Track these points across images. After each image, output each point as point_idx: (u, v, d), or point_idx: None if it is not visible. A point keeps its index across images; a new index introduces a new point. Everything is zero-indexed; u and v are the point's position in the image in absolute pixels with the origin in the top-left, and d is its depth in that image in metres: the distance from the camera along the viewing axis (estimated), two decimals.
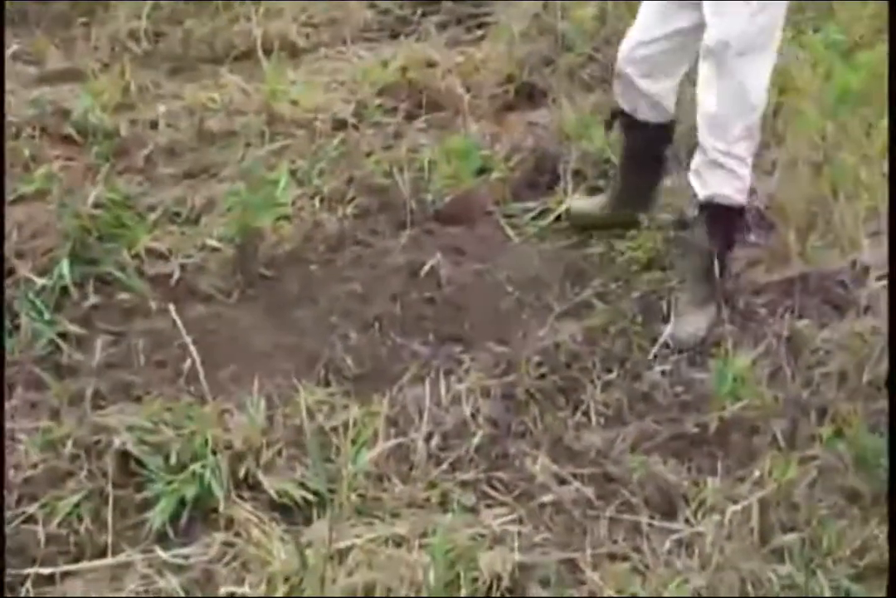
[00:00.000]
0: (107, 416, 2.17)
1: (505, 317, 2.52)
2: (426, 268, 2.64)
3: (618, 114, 2.76)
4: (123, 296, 2.55)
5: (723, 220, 2.51)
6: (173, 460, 2.06)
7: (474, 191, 2.90)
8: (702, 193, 2.50)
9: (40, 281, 2.49)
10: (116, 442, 2.09)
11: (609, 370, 2.32)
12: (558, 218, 2.85)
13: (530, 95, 3.40)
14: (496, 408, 2.21)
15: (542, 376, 2.28)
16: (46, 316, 2.45)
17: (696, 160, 2.51)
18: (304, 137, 3.08)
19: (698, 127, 2.49)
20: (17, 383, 2.27)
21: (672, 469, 2.09)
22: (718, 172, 2.48)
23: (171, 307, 2.35)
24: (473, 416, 2.17)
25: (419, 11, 3.92)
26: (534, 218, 2.86)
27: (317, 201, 2.86)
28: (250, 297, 2.60)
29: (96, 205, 2.73)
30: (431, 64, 3.49)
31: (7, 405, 2.22)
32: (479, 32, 3.76)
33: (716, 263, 2.48)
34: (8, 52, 3.47)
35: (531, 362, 2.31)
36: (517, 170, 2.97)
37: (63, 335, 2.42)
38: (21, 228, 2.65)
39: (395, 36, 3.78)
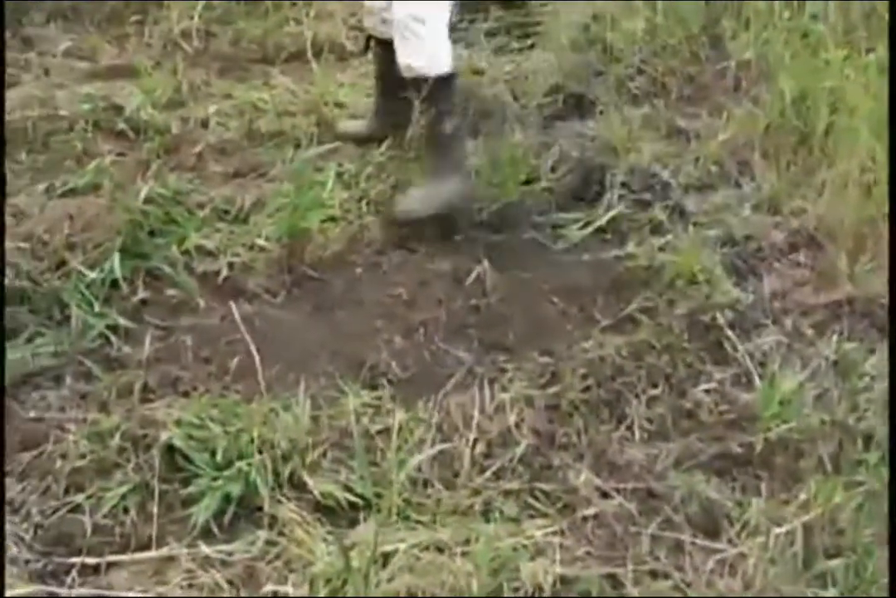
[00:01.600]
0: (155, 410, 2.19)
1: (549, 327, 2.52)
2: (471, 275, 2.66)
3: (369, 38, 3.03)
4: (172, 292, 2.56)
5: (427, 90, 2.71)
6: (219, 456, 2.07)
7: (520, 200, 2.92)
8: (401, 63, 2.72)
9: (91, 274, 2.51)
10: (164, 437, 2.10)
11: (654, 386, 2.32)
12: (603, 230, 2.87)
13: (578, 106, 3.40)
14: (540, 418, 2.21)
15: (587, 388, 2.27)
16: (96, 309, 2.47)
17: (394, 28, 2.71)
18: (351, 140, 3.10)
19: None
20: (66, 374, 2.29)
21: (716, 488, 2.08)
22: (409, 41, 2.68)
23: (232, 306, 2.41)
24: (517, 425, 2.17)
25: (467, 18, 3.94)
26: (579, 229, 2.87)
27: (363, 205, 2.88)
28: (296, 297, 2.62)
29: (147, 200, 2.75)
30: (479, 71, 3.51)
31: (56, 396, 2.24)
32: (528, 41, 3.77)
33: (437, 134, 2.74)
34: (61, 47, 3.52)
35: (576, 374, 2.31)
36: (563, 180, 2.98)
37: (113, 328, 2.44)
38: (72, 220, 2.67)
39: None
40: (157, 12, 3.67)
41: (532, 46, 3.70)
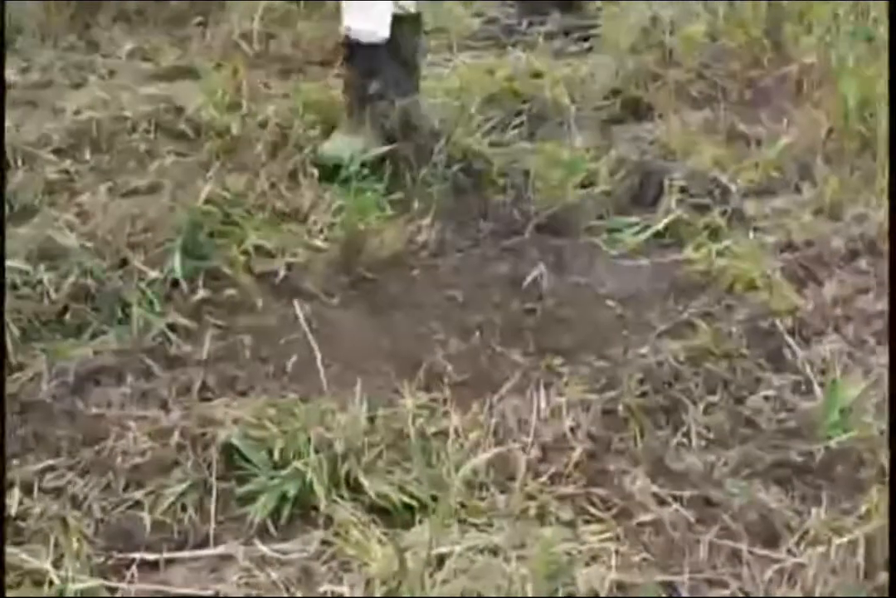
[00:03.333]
0: (213, 408, 2.20)
1: (605, 332, 2.50)
2: (527, 279, 2.65)
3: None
4: (231, 292, 2.58)
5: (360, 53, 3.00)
6: (276, 455, 2.08)
7: (578, 203, 2.90)
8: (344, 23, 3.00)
9: (152, 273, 2.54)
10: (222, 435, 2.11)
11: (712, 392, 2.28)
12: (661, 234, 2.84)
13: (636, 110, 3.38)
14: (596, 424, 2.18)
15: (644, 394, 2.25)
16: (157, 307, 2.50)
17: None
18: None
19: None
20: (127, 372, 2.31)
21: (775, 497, 2.05)
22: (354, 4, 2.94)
23: (296, 305, 2.45)
24: (573, 430, 2.15)
25: (526, 21, 3.94)
26: (636, 233, 2.85)
27: (417, 205, 2.88)
28: (353, 298, 2.62)
29: (207, 201, 2.79)
30: (538, 74, 3.50)
31: (117, 393, 2.26)
32: (586, 44, 3.76)
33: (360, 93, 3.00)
34: (125, 49, 3.56)
35: (633, 379, 2.29)
36: (622, 184, 2.96)
37: (172, 327, 2.46)
38: (134, 220, 2.70)
39: (501, 45, 3.80)
40: (218, 14, 3.70)
41: (590, 49, 3.69)
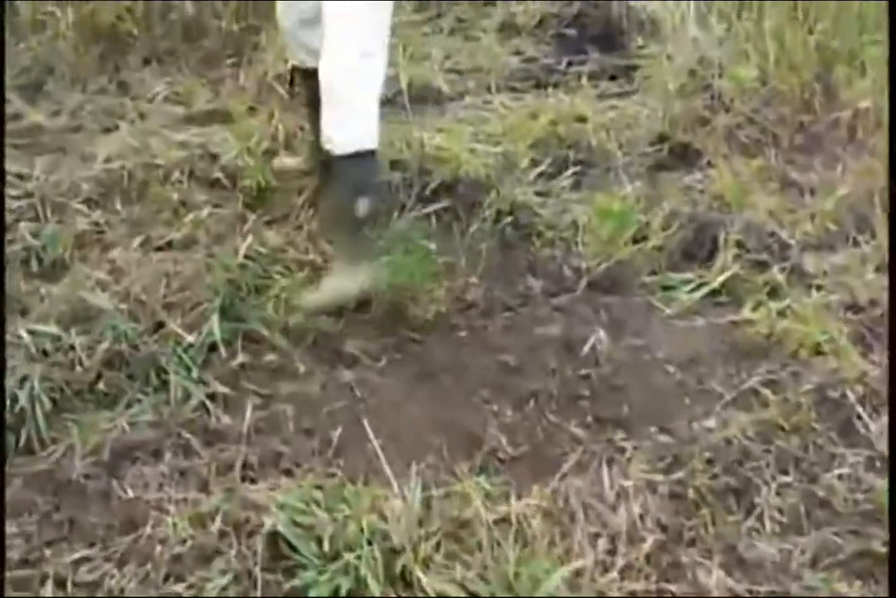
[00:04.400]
0: (257, 491, 2.05)
1: (666, 401, 2.34)
2: (581, 342, 2.49)
3: (293, 69, 2.84)
4: (271, 356, 2.43)
5: (344, 167, 2.48)
6: (326, 545, 1.92)
7: (630, 258, 2.75)
8: (322, 132, 2.48)
9: (189, 338, 2.39)
10: (267, 522, 1.95)
11: (784, 471, 2.13)
12: (717, 292, 2.68)
13: (684, 156, 3.23)
14: (665, 509, 2.02)
15: (714, 475, 2.09)
16: (194, 374, 2.35)
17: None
18: (454, 193, 2.95)
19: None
20: (165, 448, 2.15)
21: (858, 592, 1.89)
22: (334, 108, 2.45)
23: (343, 372, 2.31)
24: (642, 517, 2.00)
25: (565, 60, 3.79)
26: (691, 291, 2.69)
27: (463, 263, 2.73)
28: (398, 362, 2.46)
29: (246, 256, 2.65)
30: (581, 118, 3.35)
31: (154, 473, 2.11)
32: (630, 85, 3.61)
33: (349, 216, 2.50)
34: (156, 91, 3.42)
35: (700, 457, 2.13)
36: (674, 238, 2.80)
37: (211, 396, 2.31)
38: (169, 279, 2.55)
39: (540, 85, 3.65)
40: (251, 54, 3.56)
41: (634, 91, 3.54)
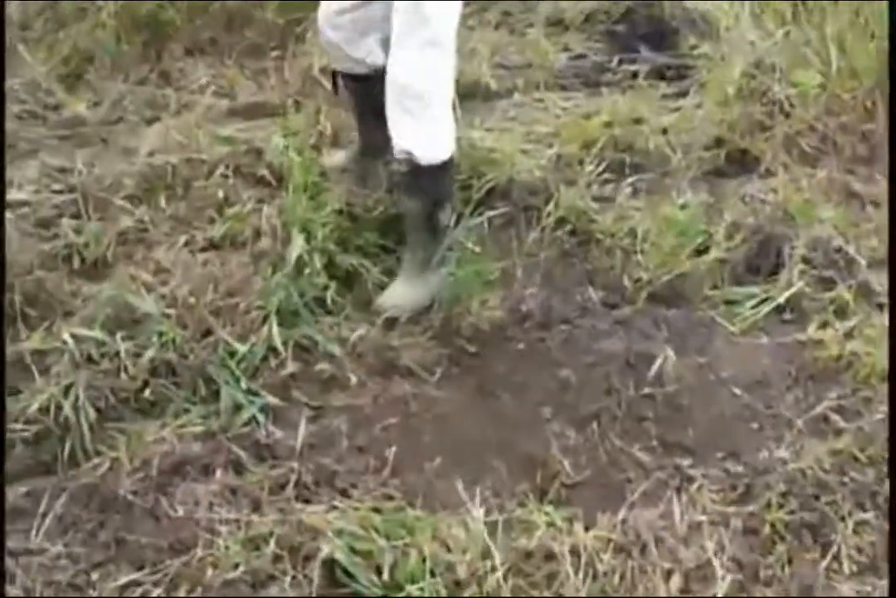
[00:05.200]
0: (312, 514, 1.93)
1: (733, 425, 2.21)
2: (643, 358, 2.36)
3: (335, 73, 2.75)
4: (323, 366, 2.31)
5: (421, 177, 2.39)
6: (386, 575, 1.82)
7: (691, 271, 2.62)
8: (394, 144, 2.39)
9: (239, 346, 2.26)
10: (324, 548, 1.84)
11: (861, 506, 2.01)
12: (782, 308, 2.55)
13: (742, 162, 3.08)
14: (740, 545, 1.91)
15: (790, 511, 1.97)
16: (244, 384, 2.23)
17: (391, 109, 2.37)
18: (508, 197, 2.81)
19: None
20: (215, 464, 2.03)
21: None
22: (402, 119, 2.34)
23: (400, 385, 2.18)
24: (716, 554, 1.88)
25: (616, 59, 3.64)
26: (755, 306, 2.56)
27: (519, 272, 2.60)
28: (454, 375, 2.34)
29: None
30: (638, 120, 3.21)
31: (205, 490, 1.99)
32: (683, 84, 3.45)
33: (431, 225, 2.43)
34: (199, 83, 3.29)
35: (774, 489, 2.01)
36: (737, 250, 2.67)
37: (262, 408, 2.19)
38: (217, 282, 2.43)
39: (591, 84, 3.51)
40: (296, 47, 3.42)
41: (688, 93, 3.39)
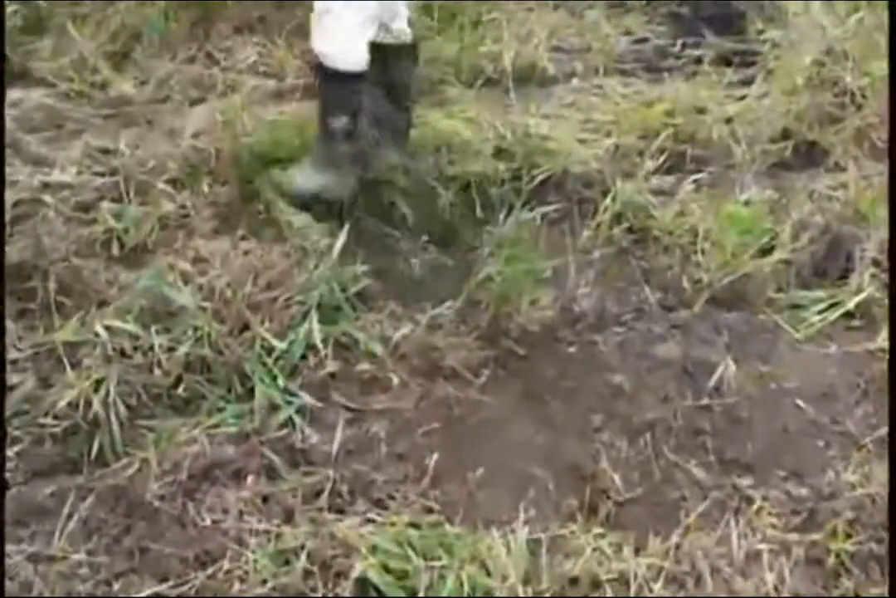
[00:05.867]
0: (346, 527, 1.79)
1: (797, 442, 2.04)
2: (701, 366, 2.20)
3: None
4: (363, 366, 2.18)
5: (324, 80, 2.52)
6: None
7: (754, 272, 2.43)
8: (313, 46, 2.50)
9: (277, 343, 2.13)
10: (357, 566, 1.70)
11: None
12: (851, 314, 2.36)
13: (810, 155, 2.88)
14: (801, 576, 1.75)
15: (858, 542, 1.80)
16: (280, 383, 2.10)
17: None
18: (562, 189, 2.65)
19: None
20: (247, 469, 1.90)
21: None
22: (324, 28, 2.43)
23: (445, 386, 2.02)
24: (777, 588, 1.72)
25: (679, 43, 3.44)
26: (821, 311, 2.38)
27: (572, 270, 2.44)
28: (501, 379, 2.19)
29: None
30: (701, 109, 3.01)
31: (235, 497, 1.86)
32: (749, 71, 3.24)
33: (324, 125, 2.52)
34: (246, 62, 3.14)
35: (840, 516, 1.84)
36: (804, 251, 2.48)
37: (298, 409, 2.06)
38: (257, 274, 2.30)
39: (653, 69, 3.31)
40: None
41: (753, 80, 3.19)
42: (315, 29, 2.45)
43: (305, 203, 2.53)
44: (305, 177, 2.56)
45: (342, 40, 2.43)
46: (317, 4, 2.42)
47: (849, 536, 1.80)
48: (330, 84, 2.51)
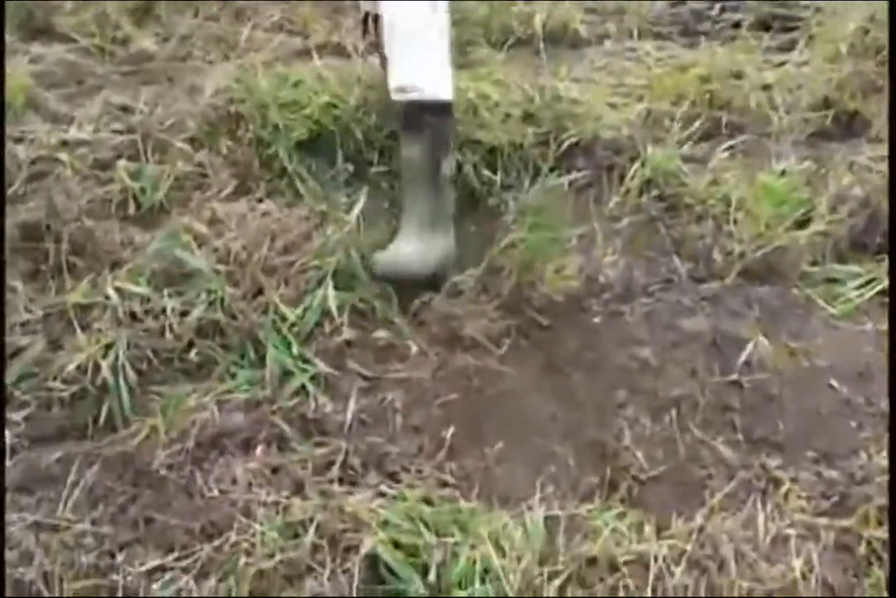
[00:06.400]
0: (357, 501, 1.71)
1: (829, 422, 1.94)
2: (731, 341, 2.09)
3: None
4: (380, 333, 2.09)
5: (424, 119, 2.12)
6: (432, 576, 1.60)
7: (790, 244, 2.31)
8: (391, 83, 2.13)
9: (291, 310, 2.04)
10: (367, 542, 1.63)
11: None
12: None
13: (850, 125, 2.74)
14: (830, 564, 1.65)
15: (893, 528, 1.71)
16: (295, 350, 2.01)
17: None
18: (591, 155, 2.53)
19: None
20: (257, 439, 1.83)
21: None
22: (401, 57, 2.10)
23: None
24: (804, 576, 1.62)
25: (718, 6, 3.28)
26: (858, 287, 2.26)
27: (599, 238, 2.33)
28: (522, 350, 2.09)
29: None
30: (738, 75, 2.87)
31: (244, 468, 1.78)
32: (789, 36, 3.10)
33: (433, 175, 2.13)
34: (271, 20, 3.02)
35: (872, 502, 1.73)
36: (842, 224, 2.35)
37: (312, 377, 1.97)
38: (274, 237, 2.20)
39: (689, 33, 3.17)
40: None
41: (794, 46, 3.04)
42: (394, 59, 2.13)
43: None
44: (422, 256, 2.13)
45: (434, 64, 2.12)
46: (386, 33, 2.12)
47: (880, 522, 1.70)
48: (432, 123, 2.13)
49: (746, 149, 2.61)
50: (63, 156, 2.42)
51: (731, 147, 2.59)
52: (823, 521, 1.71)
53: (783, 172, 2.47)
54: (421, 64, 2.12)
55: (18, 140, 2.46)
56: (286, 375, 1.96)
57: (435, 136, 2.15)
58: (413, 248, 2.14)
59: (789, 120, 2.70)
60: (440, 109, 2.16)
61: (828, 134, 2.70)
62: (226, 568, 1.62)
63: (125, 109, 2.64)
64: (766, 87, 2.80)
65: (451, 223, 2.19)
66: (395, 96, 2.15)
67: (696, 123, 2.65)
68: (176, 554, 1.64)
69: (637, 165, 2.42)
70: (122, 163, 2.43)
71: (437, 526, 1.65)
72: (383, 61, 2.28)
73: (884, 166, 2.50)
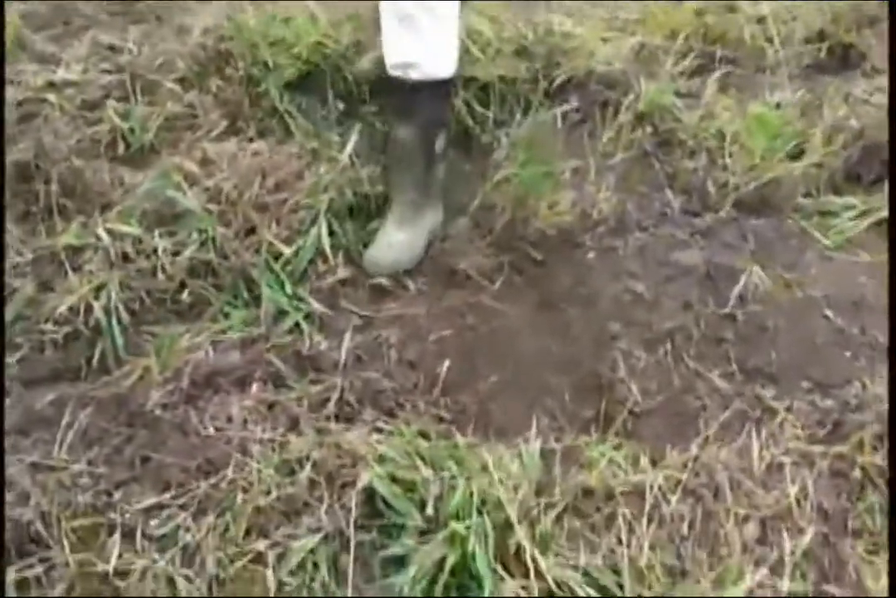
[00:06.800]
0: (353, 436, 1.68)
1: (823, 352, 1.90)
2: (725, 273, 2.05)
3: None
4: None
5: (422, 95, 1.97)
6: (429, 509, 1.57)
7: (784, 176, 2.26)
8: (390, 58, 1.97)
9: (285, 248, 1.99)
10: (363, 476, 1.60)
11: None
12: (884, 223, 2.19)
13: (845, 58, 2.66)
14: (825, 490, 1.63)
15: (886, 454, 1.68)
16: (288, 289, 1.97)
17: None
18: (584, 90, 2.45)
19: None
20: (252, 376, 1.79)
21: None
22: (406, 31, 1.92)
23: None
24: (798, 501, 1.60)
25: None
26: (853, 218, 2.21)
27: (592, 173, 2.27)
28: (516, 285, 2.05)
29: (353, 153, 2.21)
30: (733, 8, 2.78)
31: (239, 406, 1.74)
32: None
33: (425, 152, 2.01)
34: None
35: (866, 429, 1.71)
36: (837, 156, 2.29)
37: (307, 315, 1.94)
38: (265, 175, 2.14)
39: None
40: None
41: None
42: (392, 37, 1.95)
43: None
44: (410, 245, 2.04)
45: (433, 42, 1.94)
46: (385, 6, 1.93)
47: (875, 449, 1.67)
48: (424, 98, 1.97)
49: (740, 82, 2.54)
50: (51, 97, 2.35)
51: (724, 81, 2.53)
52: (818, 448, 1.68)
53: (777, 105, 2.41)
54: (423, 40, 1.92)
55: (7, 82, 2.39)
56: (280, 314, 1.92)
57: (432, 114, 2.01)
58: (402, 236, 2.04)
59: (784, 53, 2.62)
60: (439, 87, 1.99)
61: (822, 66, 2.63)
62: (223, 505, 1.59)
63: (113, 49, 2.56)
64: (761, 20, 2.72)
65: (440, 192, 2.10)
66: (392, 72, 1.98)
67: (690, 58, 2.58)
68: (173, 492, 1.60)
69: (630, 99, 2.35)
70: (111, 103, 2.36)
71: (434, 460, 1.61)
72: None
73: (879, 98, 2.44)
